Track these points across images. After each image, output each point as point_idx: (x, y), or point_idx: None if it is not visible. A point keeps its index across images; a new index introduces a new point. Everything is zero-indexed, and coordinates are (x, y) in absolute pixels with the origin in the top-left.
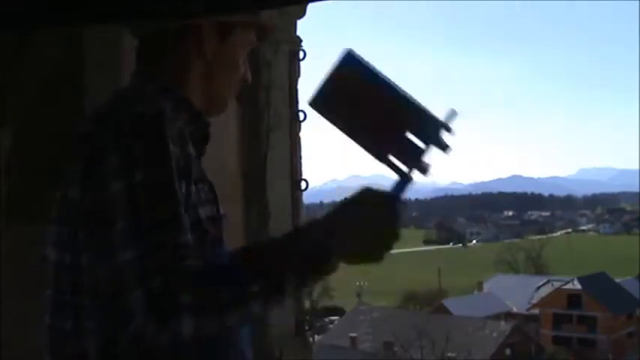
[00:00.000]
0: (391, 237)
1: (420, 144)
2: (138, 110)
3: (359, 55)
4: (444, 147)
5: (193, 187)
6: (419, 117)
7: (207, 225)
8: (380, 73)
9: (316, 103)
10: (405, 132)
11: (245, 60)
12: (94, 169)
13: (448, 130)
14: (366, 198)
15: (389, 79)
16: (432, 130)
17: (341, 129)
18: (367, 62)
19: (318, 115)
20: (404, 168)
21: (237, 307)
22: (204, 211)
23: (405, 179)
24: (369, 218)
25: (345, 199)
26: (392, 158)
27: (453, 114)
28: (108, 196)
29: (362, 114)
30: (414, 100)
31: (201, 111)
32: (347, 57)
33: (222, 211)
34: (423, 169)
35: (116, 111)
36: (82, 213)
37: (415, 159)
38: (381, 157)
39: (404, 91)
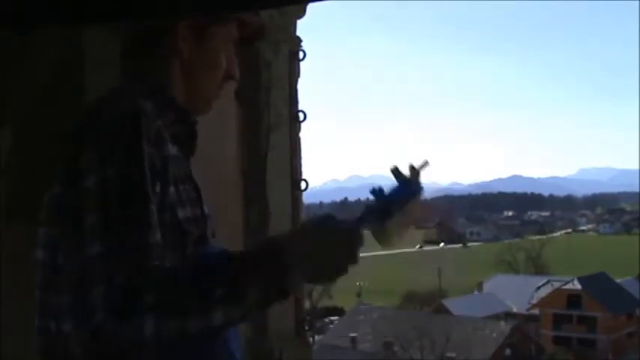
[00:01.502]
0: (344, 264)
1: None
2: (115, 110)
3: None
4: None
5: (172, 188)
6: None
7: (187, 226)
8: None
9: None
10: None
11: (230, 55)
12: (73, 167)
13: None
14: (327, 224)
15: None
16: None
17: None
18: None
19: None
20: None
21: (199, 313)
22: (184, 212)
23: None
24: (327, 244)
25: (308, 220)
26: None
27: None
28: (81, 191)
29: None
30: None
31: (187, 110)
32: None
33: (206, 211)
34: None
35: (95, 111)
36: (61, 211)
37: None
38: None
39: None
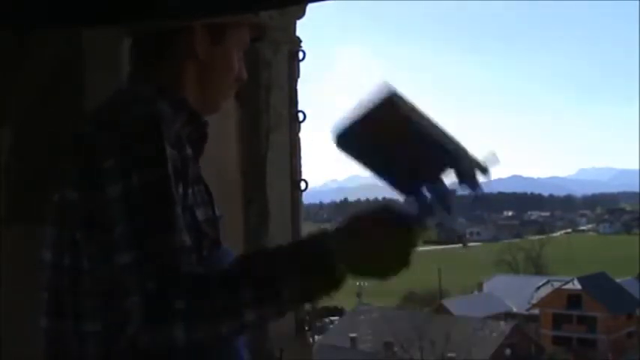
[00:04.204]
0: (401, 261)
1: (452, 184)
2: (135, 112)
3: (398, 93)
4: (476, 188)
5: (190, 189)
6: (456, 160)
7: (204, 227)
8: (418, 112)
9: (342, 142)
10: (439, 175)
11: (240, 58)
12: (92, 171)
13: (484, 171)
14: (383, 215)
15: (428, 118)
16: (468, 172)
17: (368, 168)
18: (407, 101)
19: (344, 154)
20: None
21: (231, 316)
22: (200, 214)
23: (428, 213)
24: (381, 237)
25: (358, 212)
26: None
27: (493, 159)
28: (106, 198)
29: (397, 155)
30: (453, 141)
31: (198, 112)
32: (387, 97)
33: (218, 213)
34: (449, 210)
35: (114, 113)
36: (81, 215)
37: (443, 202)
38: (410, 192)
39: (443, 133)
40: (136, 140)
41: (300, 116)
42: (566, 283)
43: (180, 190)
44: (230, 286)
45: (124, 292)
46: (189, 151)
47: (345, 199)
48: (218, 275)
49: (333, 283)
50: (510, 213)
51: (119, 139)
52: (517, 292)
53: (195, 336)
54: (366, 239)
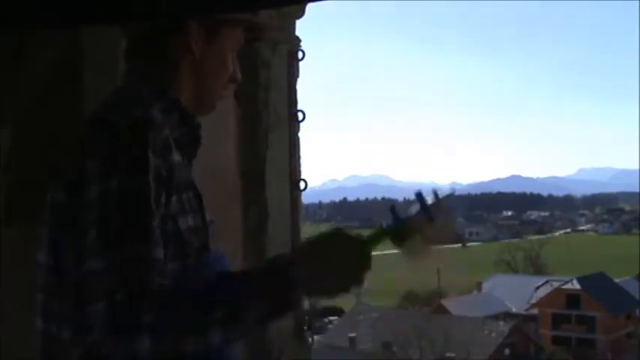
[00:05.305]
0: (354, 280)
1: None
2: (126, 115)
3: None
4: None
5: (175, 197)
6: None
7: (188, 236)
8: None
9: None
10: None
11: (234, 59)
12: (77, 172)
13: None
14: (337, 238)
15: None
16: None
17: None
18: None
19: None
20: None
21: (196, 334)
22: (185, 222)
23: (384, 235)
24: (337, 259)
25: (315, 236)
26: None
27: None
28: (84, 202)
29: None
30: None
31: (192, 113)
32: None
33: (208, 218)
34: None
35: (106, 113)
36: (63, 215)
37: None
38: None
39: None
40: (122, 144)
41: (300, 116)
42: (566, 283)
43: (163, 198)
44: (199, 305)
45: (89, 298)
46: (177, 157)
47: (345, 199)
48: (189, 292)
49: (294, 306)
50: (510, 213)
51: (105, 140)
52: (516, 292)
53: (159, 350)
54: (319, 260)
